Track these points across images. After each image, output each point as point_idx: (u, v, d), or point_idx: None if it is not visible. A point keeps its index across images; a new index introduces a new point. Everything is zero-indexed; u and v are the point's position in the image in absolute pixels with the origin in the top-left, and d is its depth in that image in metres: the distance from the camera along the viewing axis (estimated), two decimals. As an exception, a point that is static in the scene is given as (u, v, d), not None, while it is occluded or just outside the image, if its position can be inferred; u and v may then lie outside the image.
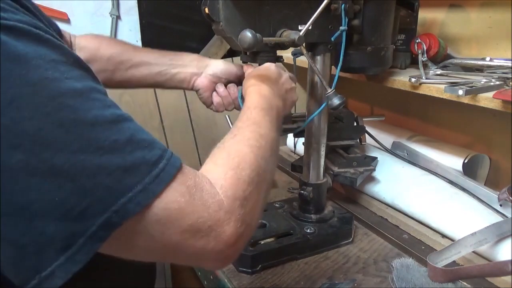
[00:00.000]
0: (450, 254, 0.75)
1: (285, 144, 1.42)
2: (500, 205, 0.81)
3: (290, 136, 0.98)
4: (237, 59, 1.43)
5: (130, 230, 0.36)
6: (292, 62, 0.84)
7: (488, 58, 0.85)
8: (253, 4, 0.66)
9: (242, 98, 0.66)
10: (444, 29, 1.03)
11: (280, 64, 0.73)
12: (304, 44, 0.69)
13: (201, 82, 0.80)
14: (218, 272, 0.81)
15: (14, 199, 0.32)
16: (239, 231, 0.42)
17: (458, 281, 0.73)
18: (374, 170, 0.98)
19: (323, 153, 0.86)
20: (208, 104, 0.83)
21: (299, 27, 0.70)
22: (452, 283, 0.72)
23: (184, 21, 1.41)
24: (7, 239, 0.33)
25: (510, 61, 0.82)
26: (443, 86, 0.78)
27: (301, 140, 0.96)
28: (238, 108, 0.80)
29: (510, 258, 0.65)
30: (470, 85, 0.76)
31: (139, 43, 1.35)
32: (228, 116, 0.93)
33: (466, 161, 0.95)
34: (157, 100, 1.33)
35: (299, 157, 1.16)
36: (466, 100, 0.75)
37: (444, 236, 0.85)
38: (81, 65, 0.38)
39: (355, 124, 1.01)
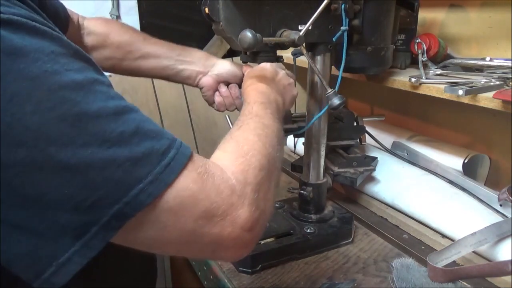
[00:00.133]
0: (450, 254, 0.75)
1: (285, 144, 1.42)
2: (500, 205, 0.81)
3: (290, 136, 0.98)
4: (237, 59, 1.43)
5: (143, 220, 0.36)
6: (292, 62, 0.84)
7: (488, 58, 0.85)
8: (253, 4, 0.66)
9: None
10: (444, 29, 1.03)
11: (279, 64, 0.73)
12: (304, 44, 0.69)
13: (206, 81, 0.80)
14: (218, 272, 0.81)
15: (26, 192, 0.32)
16: (254, 216, 0.41)
17: (458, 281, 0.73)
18: (374, 170, 0.98)
19: (323, 153, 0.86)
20: (210, 102, 0.83)
21: (299, 27, 0.70)
22: (452, 283, 0.72)
23: (184, 21, 1.41)
24: (24, 228, 0.33)
25: (510, 61, 0.82)
26: (443, 86, 0.78)
27: (301, 140, 0.96)
28: (240, 109, 0.80)
29: (510, 258, 0.65)
30: (470, 85, 0.76)
31: (139, 43, 1.35)
32: (228, 116, 0.93)
33: (466, 161, 0.95)
34: (157, 100, 1.33)
35: (299, 157, 1.16)
36: (466, 100, 0.75)
37: (444, 236, 0.85)
38: (81, 57, 0.38)
39: (355, 124, 1.01)
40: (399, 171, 0.99)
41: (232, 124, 0.83)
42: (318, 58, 0.79)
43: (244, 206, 0.41)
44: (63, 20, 0.67)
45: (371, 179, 1.01)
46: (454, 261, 0.76)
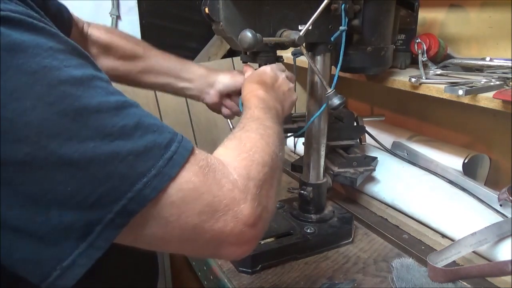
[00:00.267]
0: (450, 254, 0.75)
1: (285, 144, 1.42)
2: (500, 205, 0.81)
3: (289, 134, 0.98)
4: (237, 59, 1.43)
5: (147, 216, 0.36)
6: (292, 62, 0.84)
7: (488, 58, 0.85)
8: (253, 4, 0.66)
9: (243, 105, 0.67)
10: (444, 29, 1.03)
11: (280, 64, 0.73)
12: (304, 44, 0.69)
13: (211, 98, 0.82)
14: (218, 272, 0.81)
15: (27, 190, 0.32)
16: (257, 211, 0.41)
17: (458, 281, 0.73)
18: (374, 170, 0.98)
19: (323, 153, 0.86)
20: (218, 112, 0.85)
21: (299, 27, 0.70)
22: (452, 283, 0.72)
23: (184, 21, 1.41)
24: (26, 232, 0.33)
25: (510, 61, 0.82)
26: (443, 86, 0.78)
27: (301, 140, 0.96)
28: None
29: (510, 258, 0.65)
30: (470, 85, 0.76)
31: (139, 43, 1.35)
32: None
33: (466, 161, 0.95)
34: (157, 101, 1.33)
35: (299, 157, 1.16)
36: (466, 100, 0.75)
37: (444, 236, 0.85)
38: (79, 53, 0.37)
39: (355, 124, 1.01)
40: (399, 171, 0.99)
41: (232, 126, 0.83)
42: (318, 58, 0.79)
43: (246, 201, 0.40)
44: (66, 22, 0.67)
45: (371, 179, 1.01)
46: (454, 261, 0.76)
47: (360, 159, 0.96)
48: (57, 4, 0.63)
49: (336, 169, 0.94)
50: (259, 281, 0.77)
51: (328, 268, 0.81)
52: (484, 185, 0.93)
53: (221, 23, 0.66)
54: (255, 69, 0.73)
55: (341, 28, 0.72)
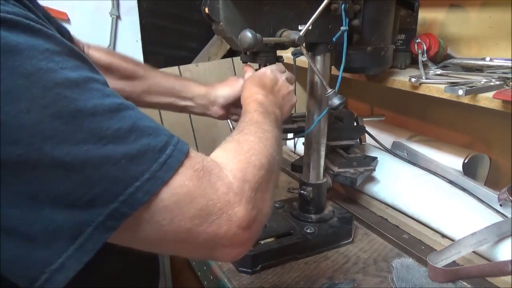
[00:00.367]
0: (450, 254, 0.75)
1: (285, 144, 1.42)
2: (500, 205, 0.81)
3: (290, 135, 0.98)
4: (237, 59, 1.43)
5: (139, 219, 0.36)
6: (292, 62, 0.84)
7: (488, 58, 0.85)
8: (253, 4, 0.66)
9: None
10: (444, 29, 1.03)
11: (280, 64, 0.73)
12: (304, 44, 0.69)
13: (216, 113, 0.83)
14: (218, 272, 0.81)
15: (19, 190, 0.32)
16: (251, 214, 0.41)
17: (458, 281, 0.73)
18: (374, 170, 0.98)
19: (323, 153, 0.86)
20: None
21: (299, 27, 0.70)
22: (452, 283, 0.72)
23: (184, 21, 1.41)
24: (16, 232, 0.33)
25: (510, 61, 0.82)
26: (443, 86, 0.78)
27: (301, 140, 0.96)
28: None
29: (510, 258, 0.65)
30: (470, 85, 0.76)
31: (139, 43, 1.35)
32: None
33: (466, 161, 0.95)
34: (157, 100, 1.33)
35: (299, 157, 1.16)
36: (466, 100, 0.75)
37: (444, 236, 0.85)
38: (76, 55, 0.37)
39: (355, 124, 1.01)
40: (399, 171, 0.99)
41: (232, 126, 0.84)
42: (318, 58, 0.79)
43: (241, 204, 0.40)
44: (65, 37, 0.67)
45: (371, 179, 1.01)
46: (454, 261, 0.76)
47: (360, 159, 0.96)
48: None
49: (336, 169, 0.94)
50: (259, 281, 0.77)
51: (328, 268, 0.81)
52: (484, 185, 0.93)
53: (221, 23, 0.66)
54: (255, 69, 0.73)
55: (342, 28, 0.72)
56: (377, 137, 1.08)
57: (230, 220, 0.39)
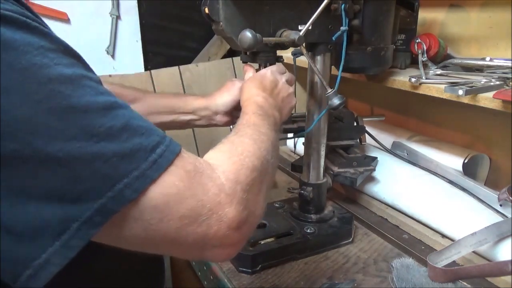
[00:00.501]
0: (450, 254, 0.75)
1: (285, 144, 1.42)
2: (500, 205, 0.81)
3: (290, 135, 0.98)
4: (237, 59, 1.43)
5: (127, 217, 0.36)
6: (292, 62, 0.84)
7: (488, 58, 0.85)
8: (253, 4, 0.66)
9: None
10: (444, 29, 1.03)
11: (280, 65, 0.73)
12: (304, 44, 0.69)
13: (221, 121, 0.83)
14: (218, 272, 0.81)
15: (8, 184, 0.32)
16: (242, 215, 0.41)
17: (458, 281, 0.73)
18: (374, 170, 0.98)
19: (323, 153, 0.86)
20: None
21: (299, 27, 0.70)
22: (452, 283, 0.72)
23: (184, 21, 1.41)
24: (2, 226, 0.33)
25: (510, 61, 0.82)
26: (443, 86, 0.78)
27: (301, 140, 0.96)
28: None
29: (510, 258, 0.65)
30: (470, 85, 0.76)
31: (139, 43, 1.35)
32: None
33: (466, 161, 0.95)
34: (157, 100, 1.33)
35: (299, 157, 1.16)
36: (466, 100, 0.75)
37: (444, 236, 0.85)
38: (70, 53, 0.38)
39: (355, 124, 1.01)
40: (399, 171, 0.99)
41: (232, 126, 0.84)
42: (318, 58, 0.79)
43: (232, 205, 0.41)
44: None
45: (371, 179, 1.01)
46: (454, 261, 0.76)
47: (360, 159, 0.96)
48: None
49: (336, 169, 0.94)
50: (259, 281, 0.77)
51: (328, 268, 0.81)
52: (484, 185, 0.93)
53: (221, 23, 0.66)
54: (256, 70, 0.73)
55: (342, 28, 0.72)
56: (377, 137, 1.08)
57: (220, 221, 0.40)
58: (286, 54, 0.76)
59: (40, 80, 0.33)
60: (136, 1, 1.32)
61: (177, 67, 1.37)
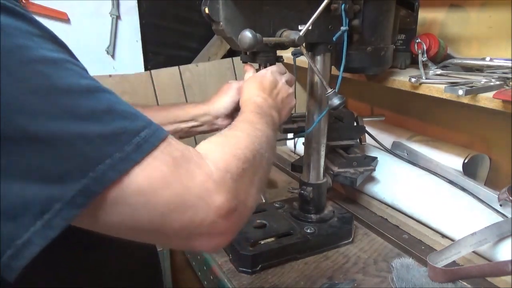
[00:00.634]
0: (450, 254, 0.75)
1: (285, 144, 1.42)
2: (500, 205, 0.81)
3: (290, 136, 0.98)
4: (237, 59, 1.43)
5: (111, 200, 0.36)
6: (292, 62, 0.84)
7: (488, 58, 0.85)
8: (253, 4, 0.66)
9: None
10: (444, 29, 1.03)
11: (280, 65, 0.73)
12: (304, 44, 0.69)
13: (223, 125, 0.82)
14: (218, 272, 0.81)
15: None
16: (231, 203, 0.41)
17: (458, 281, 0.73)
18: (374, 170, 0.98)
19: (323, 153, 0.86)
20: None
21: (299, 27, 0.70)
22: (452, 283, 0.72)
23: (184, 21, 1.41)
24: None
25: (510, 61, 0.82)
26: (443, 86, 0.78)
27: (301, 140, 0.96)
28: None
29: (510, 258, 0.65)
30: (470, 85, 0.76)
31: (139, 43, 1.35)
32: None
33: (466, 161, 0.95)
34: (157, 101, 1.33)
35: (299, 157, 1.16)
36: (466, 100, 0.75)
37: (444, 236, 0.85)
38: (57, 41, 0.38)
39: (355, 124, 1.01)
40: (399, 171, 0.99)
41: None
42: (318, 58, 0.79)
43: (220, 192, 0.40)
44: None
45: (371, 179, 1.01)
46: (454, 261, 0.76)
47: (360, 159, 0.96)
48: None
49: (336, 169, 0.94)
50: (259, 281, 0.77)
51: (328, 268, 0.81)
52: (484, 185, 0.93)
53: (221, 23, 0.66)
54: (256, 69, 0.73)
55: (342, 28, 0.72)
56: (377, 137, 1.08)
57: (207, 208, 0.39)
58: (286, 54, 0.76)
59: (23, 60, 0.33)
60: (136, 1, 1.32)
61: (177, 67, 1.37)
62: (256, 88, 0.66)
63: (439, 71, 0.88)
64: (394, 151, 1.07)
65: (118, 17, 1.30)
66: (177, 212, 0.38)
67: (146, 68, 1.37)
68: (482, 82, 0.77)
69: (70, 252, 0.50)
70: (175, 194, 0.38)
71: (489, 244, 0.73)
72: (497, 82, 0.76)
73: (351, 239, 0.89)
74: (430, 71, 0.88)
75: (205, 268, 0.86)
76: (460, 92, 0.73)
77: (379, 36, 0.81)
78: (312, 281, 0.77)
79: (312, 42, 0.77)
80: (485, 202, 0.83)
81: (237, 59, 1.44)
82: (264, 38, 0.62)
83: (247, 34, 0.59)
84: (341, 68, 0.74)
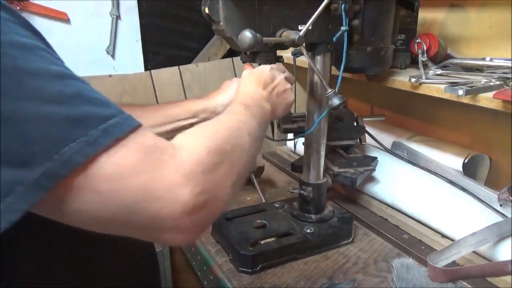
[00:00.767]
0: (450, 254, 0.75)
1: (285, 144, 1.42)
2: (500, 205, 0.81)
3: (290, 136, 0.98)
4: (237, 59, 1.43)
5: (77, 185, 0.35)
6: (292, 62, 0.84)
7: (488, 58, 0.85)
8: (253, 4, 0.66)
9: None
10: (444, 29, 1.03)
11: (280, 64, 0.73)
12: (304, 44, 0.69)
13: None
14: (218, 272, 0.81)
15: None
16: (198, 199, 0.40)
17: (458, 281, 0.73)
18: (374, 170, 0.98)
19: (323, 153, 0.86)
20: None
21: (299, 27, 0.70)
22: (452, 283, 0.72)
23: (184, 21, 1.41)
24: None
25: (510, 61, 0.82)
26: (443, 86, 0.78)
27: (301, 140, 0.96)
28: None
29: (510, 258, 0.65)
30: (470, 85, 0.76)
31: (139, 43, 1.35)
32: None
33: (466, 161, 0.95)
34: (157, 101, 1.33)
35: (299, 157, 1.16)
36: (466, 100, 0.75)
37: (444, 236, 0.85)
38: (33, 30, 0.38)
39: (355, 124, 1.01)
40: (399, 171, 0.99)
41: None
42: (318, 58, 0.79)
43: (187, 187, 0.39)
44: None
45: (371, 179, 1.01)
46: (454, 261, 0.76)
47: (360, 159, 0.96)
48: None
49: (336, 169, 0.94)
50: (259, 281, 0.77)
51: (328, 268, 0.81)
52: (484, 185, 0.93)
53: (221, 23, 0.66)
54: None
55: (343, 28, 0.72)
56: (377, 137, 1.08)
57: (173, 202, 0.38)
58: (286, 54, 0.76)
59: None
60: (136, 1, 1.32)
61: (177, 67, 1.37)
62: (252, 80, 0.66)
63: (439, 71, 0.88)
64: (394, 151, 1.07)
65: (118, 17, 1.30)
66: (143, 203, 0.37)
67: (146, 68, 1.37)
68: (482, 82, 0.77)
69: (68, 252, 0.50)
70: (143, 182, 0.37)
71: (489, 244, 0.73)
72: (497, 82, 0.76)
73: (351, 239, 0.89)
74: (430, 71, 0.88)
75: (205, 268, 0.86)
76: (460, 92, 0.73)
77: (379, 36, 0.81)
78: (312, 281, 0.77)
79: (312, 42, 0.77)
80: (485, 202, 0.83)
81: (237, 59, 1.44)
82: (264, 38, 0.62)
83: (247, 34, 0.59)
84: (341, 68, 0.74)
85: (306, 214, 0.90)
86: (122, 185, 0.36)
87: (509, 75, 0.77)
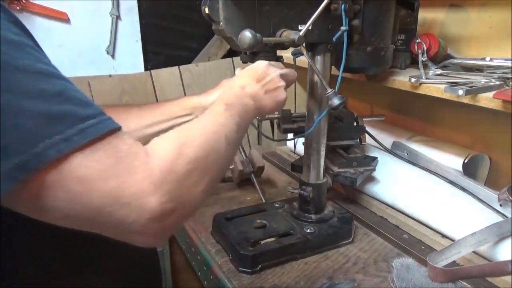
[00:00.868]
0: (450, 254, 0.75)
1: (285, 144, 1.42)
2: (500, 205, 0.81)
3: (290, 136, 0.98)
4: (237, 59, 1.43)
5: (49, 182, 0.36)
6: (292, 62, 0.84)
7: (488, 58, 0.85)
8: (253, 4, 0.66)
9: None
10: (444, 29, 1.03)
11: (280, 64, 0.73)
12: (304, 44, 0.69)
13: None
14: (218, 272, 0.81)
15: None
16: (165, 206, 0.40)
17: (458, 281, 0.73)
18: (374, 170, 0.98)
19: (323, 153, 0.86)
20: None
21: (299, 27, 0.70)
22: (452, 283, 0.72)
23: (184, 21, 1.42)
24: None
25: (510, 61, 0.82)
26: (443, 86, 0.78)
27: (301, 140, 0.96)
28: None
29: (510, 258, 0.65)
30: (470, 85, 0.76)
31: (139, 43, 1.35)
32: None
33: (466, 161, 0.95)
34: (157, 101, 1.33)
35: (299, 157, 1.16)
36: (466, 100, 0.75)
37: (444, 236, 0.85)
38: (22, 28, 0.39)
39: (355, 124, 1.01)
40: (399, 171, 0.99)
41: None
42: (318, 58, 0.79)
43: (155, 195, 0.39)
44: None
45: (371, 179, 1.01)
46: (454, 261, 0.76)
47: (360, 159, 0.96)
48: None
49: (336, 169, 0.94)
50: (259, 281, 0.77)
51: (328, 268, 0.81)
52: (484, 185, 0.93)
53: (221, 23, 0.66)
54: None
55: (343, 28, 0.72)
56: (377, 137, 1.08)
57: (140, 209, 0.39)
58: (286, 54, 0.76)
59: None
60: (136, 1, 1.32)
61: (177, 67, 1.37)
62: (244, 74, 0.65)
63: (439, 71, 0.88)
64: (394, 151, 1.07)
65: (118, 17, 1.30)
66: (111, 207, 0.38)
67: (146, 68, 1.37)
68: (482, 82, 0.77)
69: (68, 252, 0.50)
70: (112, 187, 0.38)
71: (489, 244, 0.73)
72: (497, 82, 0.76)
73: (351, 239, 0.89)
74: (430, 71, 0.88)
75: (205, 268, 0.86)
76: (460, 92, 0.73)
77: (379, 36, 0.81)
78: (312, 281, 0.77)
79: (312, 42, 0.77)
80: (485, 202, 0.83)
81: (237, 59, 1.44)
82: (264, 38, 0.62)
83: (247, 34, 0.59)
84: (341, 68, 0.74)
85: (306, 214, 0.90)
86: (91, 188, 0.37)
87: (509, 75, 0.77)
